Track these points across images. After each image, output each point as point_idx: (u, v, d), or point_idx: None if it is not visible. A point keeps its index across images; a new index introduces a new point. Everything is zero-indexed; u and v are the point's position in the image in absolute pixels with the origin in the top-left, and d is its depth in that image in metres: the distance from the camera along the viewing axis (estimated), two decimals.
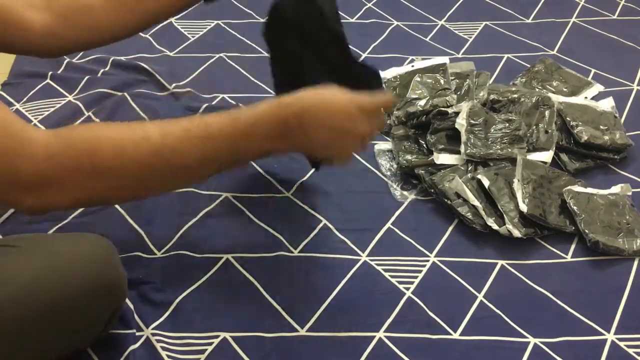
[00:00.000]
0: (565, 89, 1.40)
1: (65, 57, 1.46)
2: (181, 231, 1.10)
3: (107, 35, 1.04)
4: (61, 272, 0.80)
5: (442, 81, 1.34)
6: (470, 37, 1.60)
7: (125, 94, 1.36)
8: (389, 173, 1.23)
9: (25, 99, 1.37)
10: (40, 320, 0.78)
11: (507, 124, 1.24)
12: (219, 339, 0.95)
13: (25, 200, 0.69)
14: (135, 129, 0.75)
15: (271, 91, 1.40)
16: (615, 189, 1.18)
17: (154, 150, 0.74)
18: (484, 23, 1.65)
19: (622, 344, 0.96)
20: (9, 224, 1.10)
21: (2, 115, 0.67)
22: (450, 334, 0.97)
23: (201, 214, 1.13)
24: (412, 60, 1.49)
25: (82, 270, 0.82)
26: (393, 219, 1.14)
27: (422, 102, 1.30)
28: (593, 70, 1.49)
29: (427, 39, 1.59)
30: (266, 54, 1.50)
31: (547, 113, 1.28)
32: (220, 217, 1.14)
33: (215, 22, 1.63)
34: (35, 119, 1.32)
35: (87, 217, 1.12)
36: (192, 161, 0.77)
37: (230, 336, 0.96)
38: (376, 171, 1.23)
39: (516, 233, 1.09)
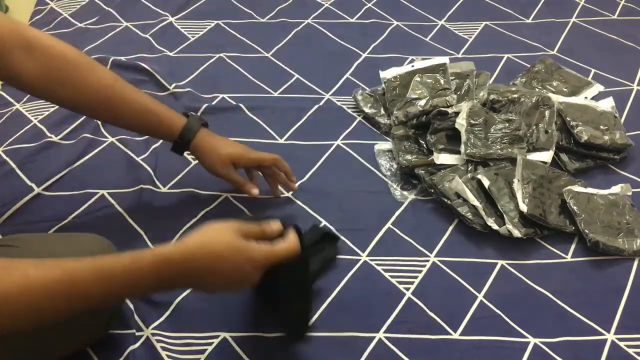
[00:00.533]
0: (565, 89, 1.40)
1: None
2: (181, 231, 1.10)
3: (85, 113, 1.15)
4: None
5: (442, 81, 1.34)
6: (470, 37, 1.60)
7: None
8: (389, 173, 1.23)
9: (25, 99, 1.37)
10: None
11: (507, 124, 1.24)
12: (219, 339, 0.95)
13: None
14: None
15: (271, 91, 1.41)
16: (615, 189, 1.18)
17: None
18: (484, 23, 1.65)
19: (622, 344, 0.96)
20: (8, 224, 1.10)
21: None
22: (450, 334, 0.97)
23: (201, 214, 1.13)
24: (412, 60, 1.49)
25: None
26: (393, 219, 1.14)
27: (422, 102, 1.30)
28: (593, 70, 1.49)
29: (427, 39, 1.59)
30: (266, 54, 1.52)
31: (547, 113, 1.28)
32: (220, 217, 1.13)
33: (215, 22, 1.62)
34: (35, 119, 1.32)
35: (87, 217, 1.12)
36: (48, 314, 0.70)
37: (230, 336, 0.96)
38: (376, 171, 1.23)
39: (516, 233, 1.09)
